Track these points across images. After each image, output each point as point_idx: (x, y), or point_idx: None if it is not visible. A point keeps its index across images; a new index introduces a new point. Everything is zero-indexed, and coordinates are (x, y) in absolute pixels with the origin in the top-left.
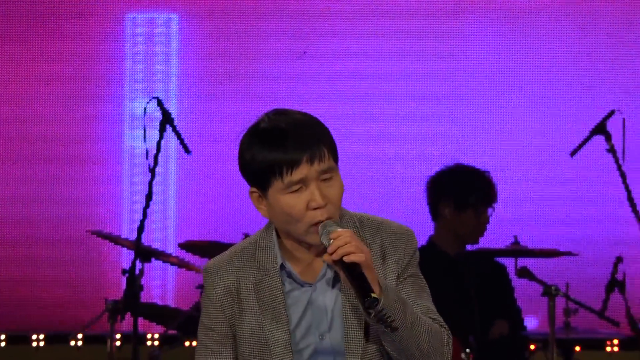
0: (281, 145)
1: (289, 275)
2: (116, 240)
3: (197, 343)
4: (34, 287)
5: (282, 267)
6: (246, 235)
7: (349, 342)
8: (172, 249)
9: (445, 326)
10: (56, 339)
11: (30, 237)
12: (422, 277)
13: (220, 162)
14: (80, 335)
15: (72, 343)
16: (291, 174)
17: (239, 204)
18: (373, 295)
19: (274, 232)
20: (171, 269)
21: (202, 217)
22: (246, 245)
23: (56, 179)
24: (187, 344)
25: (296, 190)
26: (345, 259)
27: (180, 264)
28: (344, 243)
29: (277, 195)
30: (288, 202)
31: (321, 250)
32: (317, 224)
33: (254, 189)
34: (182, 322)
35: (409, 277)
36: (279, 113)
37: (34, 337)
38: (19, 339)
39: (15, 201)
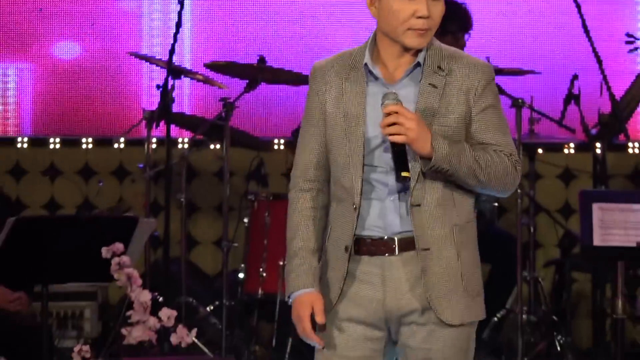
0: None
1: (372, 73)
2: (151, 60)
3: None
4: (84, 99)
5: (367, 67)
6: (260, 57)
7: None
8: (195, 69)
9: (514, 153)
10: (102, 142)
11: (78, 56)
12: (498, 108)
13: None
14: (122, 139)
15: (116, 146)
16: None
17: (253, 28)
18: (403, 174)
19: (371, 39)
20: (197, 85)
21: (219, 41)
22: (348, 50)
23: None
24: (211, 146)
25: None
26: (390, 138)
27: (205, 80)
28: (390, 122)
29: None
30: (399, 6)
31: (410, 54)
32: (416, 29)
33: None
34: (207, 129)
35: (485, 109)
36: None
37: (84, 140)
38: (71, 142)
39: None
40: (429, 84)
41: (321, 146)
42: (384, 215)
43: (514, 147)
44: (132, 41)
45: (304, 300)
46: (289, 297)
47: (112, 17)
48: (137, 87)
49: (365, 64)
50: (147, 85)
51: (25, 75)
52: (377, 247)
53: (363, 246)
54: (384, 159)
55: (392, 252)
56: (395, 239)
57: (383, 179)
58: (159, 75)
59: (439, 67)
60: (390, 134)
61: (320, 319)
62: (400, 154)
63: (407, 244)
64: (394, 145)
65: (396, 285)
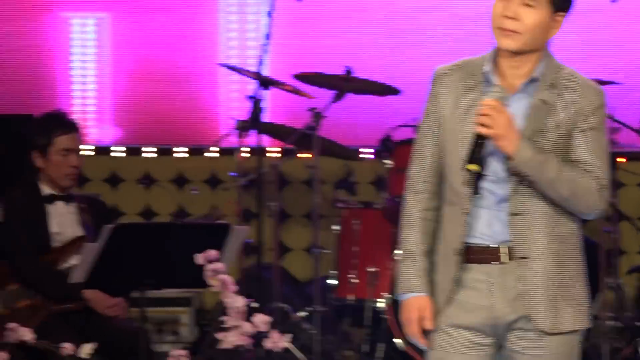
0: None
1: (489, 81)
2: (241, 71)
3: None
4: (178, 111)
5: (485, 75)
6: (348, 70)
7: None
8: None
9: (602, 177)
10: (195, 151)
11: (170, 70)
12: (601, 133)
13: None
14: (214, 148)
15: (208, 155)
16: None
17: (340, 39)
18: (469, 166)
19: (494, 49)
20: (283, 95)
21: (306, 53)
22: (470, 57)
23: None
24: (300, 155)
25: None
26: (476, 128)
27: (294, 90)
28: (482, 113)
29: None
30: (494, 6)
31: (526, 67)
32: (502, 29)
33: None
34: (297, 138)
35: (587, 130)
36: None
37: (177, 149)
38: (165, 151)
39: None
40: (541, 99)
41: (435, 149)
42: (491, 224)
43: (604, 172)
44: (213, 52)
45: (414, 304)
46: (399, 296)
47: (197, 29)
48: (227, 97)
49: (484, 72)
50: (225, 94)
51: (118, 87)
52: (484, 255)
53: (471, 254)
54: (495, 168)
55: (498, 260)
56: (502, 247)
57: (492, 188)
58: (241, 85)
59: (553, 85)
60: (480, 124)
61: (429, 325)
62: (477, 145)
63: (513, 252)
64: (477, 136)
65: (503, 293)
